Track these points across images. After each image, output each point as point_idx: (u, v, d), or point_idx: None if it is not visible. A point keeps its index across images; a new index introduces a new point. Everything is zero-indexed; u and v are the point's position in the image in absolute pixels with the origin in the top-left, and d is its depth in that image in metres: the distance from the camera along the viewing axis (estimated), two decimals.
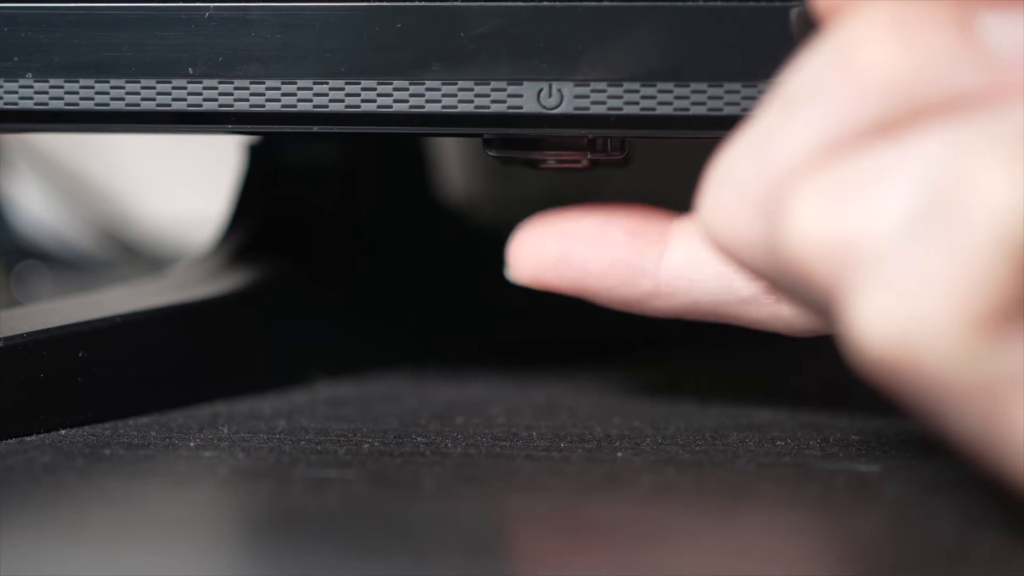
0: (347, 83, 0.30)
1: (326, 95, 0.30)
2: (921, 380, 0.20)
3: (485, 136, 0.31)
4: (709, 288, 0.31)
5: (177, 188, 0.73)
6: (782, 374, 0.42)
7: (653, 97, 0.29)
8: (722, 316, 0.31)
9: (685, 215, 0.31)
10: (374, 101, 0.30)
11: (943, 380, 0.20)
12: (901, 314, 0.20)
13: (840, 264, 0.21)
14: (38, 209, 0.70)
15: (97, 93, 0.31)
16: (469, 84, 0.30)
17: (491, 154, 0.32)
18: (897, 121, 0.22)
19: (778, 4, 0.28)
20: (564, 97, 0.29)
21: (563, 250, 0.31)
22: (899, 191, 0.21)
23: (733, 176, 0.23)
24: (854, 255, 0.21)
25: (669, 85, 0.29)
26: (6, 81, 0.31)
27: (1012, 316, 0.20)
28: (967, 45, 0.21)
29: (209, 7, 0.30)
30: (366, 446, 0.31)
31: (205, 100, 0.31)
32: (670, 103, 0.29)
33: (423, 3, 0.30)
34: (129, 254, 0.68)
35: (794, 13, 0.28)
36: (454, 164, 0.50)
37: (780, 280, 0.23)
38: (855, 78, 0.22)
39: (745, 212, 0.23)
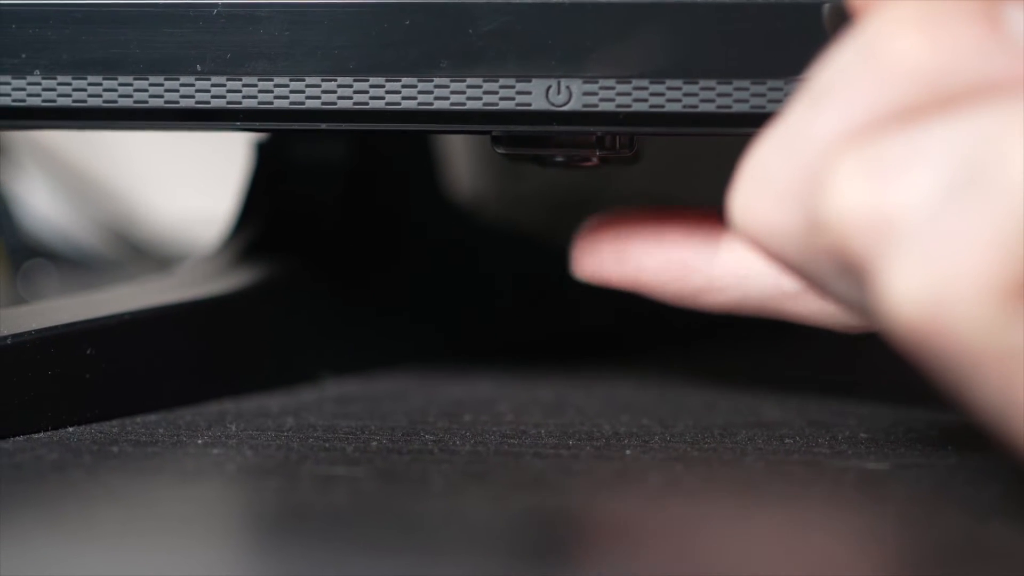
0: (355, 80, 0.30)
1: (334, 92, 0.30)
2: (948, 349, 0.21)
3: (493, 133, 0.31)
4: (759, 284, 0.32)
5: (185, 187, 0.73)
6: (791, 372, 0.42)
7: (662, 94, 0.29)
8: (771, 311, 0.32)
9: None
10: (382, 98, 0.30)
11: (970, 349, 0.21)
12: (932, 283, 0.21)
13: (877, 236, 0.22)
14: (45, 208, 0.70)
15: (105, 90, 0.31)
16: (477, 81, 0.30)
17: (499, 151, 0.32)
18: (925, 110, 0.22)
19: (789, 1, 0.28)
20: (573, 94, 0.29)
21: (620, 249, 0.33)
22: (935, 166, 0.21)
23: (765, 168, 0.24)
24: (890, 227, 0.21)
25: (678, 82, 0.29)
26: (14, 78, 0.31)
27: None
28: (993, 37, 0.22)
29: (217, 4, 0.30)
30: (374, 443, 0.31)
31: (213, 97, 0.31)
32: (679, 100, 0.29)
33: (432, 0, 0.30)
34: (136, 253, 0.68)
35: (827, 8, 0.28)
36: (462, 162, 0.50)
37: (812, 269, 0.23)
38: (884, 70, 0.22)
39: (777, 203, 0.23)
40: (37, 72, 0.31)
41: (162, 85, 0.31)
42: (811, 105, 0.23)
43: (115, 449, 0.30)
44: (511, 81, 0.30)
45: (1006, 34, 0.22)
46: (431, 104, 0.30)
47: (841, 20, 0.26)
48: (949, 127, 0.21)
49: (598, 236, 0.33)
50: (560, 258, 0.36)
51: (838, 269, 0.23)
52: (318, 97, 0.30)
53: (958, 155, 0.21)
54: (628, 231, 0.33)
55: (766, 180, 0.23)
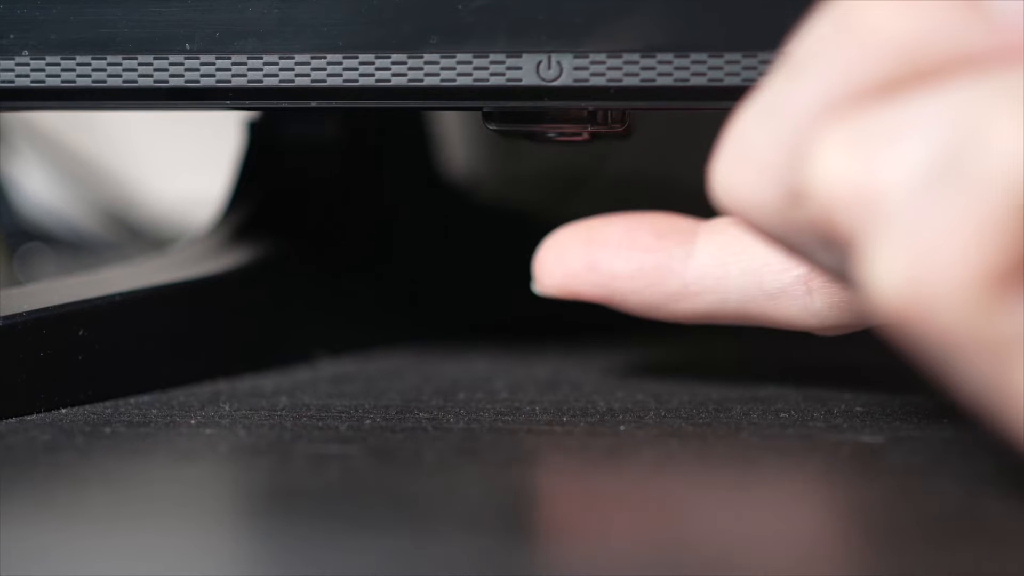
0: (345, 57, 0.30)
1: (324, 70, 0.30)
2: (931, 334, 0.21)
3: (485, 109, 0.31)
4: (737, 284, 0.31)
5: (182, 168, 0.73)
6: (786, 346, 0.42)
7: (653, 68, 0.29)
8: (751, 315, 0.31)
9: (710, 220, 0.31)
10: (373, 75, 0.30)
11: (952, 335, 0.20)
12: (915, 268, 0.20)
13: (862, 212, 0.21)
14: (41, 191, 0.70)
15: (94, 70, 0.31)
16: (468, 57, 0.30)
17: (491, 128, 0.32)
18: (904, 82, 0.22)
19: None
20: (563, 69, 0.29)
21: (590, 256, 0.32)
22: (919, 143, 0.21)
23: (745, 140, 0.23)
24: (876, 204, 0.21)
25: (669, 56, 0.29)
26: (2, 59, 0.31)
27: (1022, 275, 0.20)
28: (970, 7, 0.22)
29: None
30: (368, 422, 0.31)
31: (203, 76, 0.31)
32: (670, 74, 0.29)
33: None
34: (133, 235, 0.68)
35: None
36: (456, 140, 0.50)
37: (794, 240, 0.23)
38: (860, 40, 0.22)
39: (758, 175, 0.23)
40: (25, 52, 0.31)
41: (151, 64, 0.31)
42: (790, 76, 0.23)
43: (108, 430, 0.30)
44: (501, 57, 0.29)
45: (982, 7, 0.22)
46: (421, 80, 0.30)
47: None
48: (932, 103, 0.21)
49: (565, 245, 0.32)
50: None
51: (821, 241, 0.23)
52: (308, 75, 0.30)
53: (942, 132, 0.21)
54: (598, 237, 0.32)
55: (746, 152, 0.23)
